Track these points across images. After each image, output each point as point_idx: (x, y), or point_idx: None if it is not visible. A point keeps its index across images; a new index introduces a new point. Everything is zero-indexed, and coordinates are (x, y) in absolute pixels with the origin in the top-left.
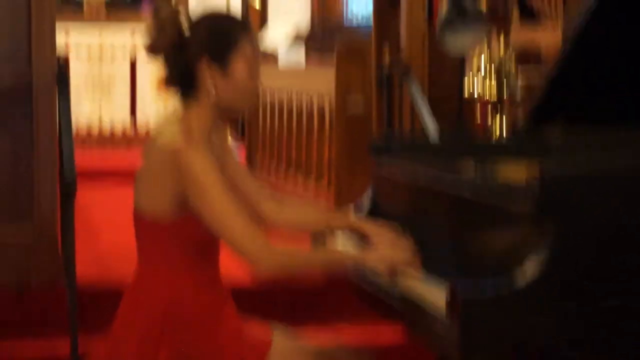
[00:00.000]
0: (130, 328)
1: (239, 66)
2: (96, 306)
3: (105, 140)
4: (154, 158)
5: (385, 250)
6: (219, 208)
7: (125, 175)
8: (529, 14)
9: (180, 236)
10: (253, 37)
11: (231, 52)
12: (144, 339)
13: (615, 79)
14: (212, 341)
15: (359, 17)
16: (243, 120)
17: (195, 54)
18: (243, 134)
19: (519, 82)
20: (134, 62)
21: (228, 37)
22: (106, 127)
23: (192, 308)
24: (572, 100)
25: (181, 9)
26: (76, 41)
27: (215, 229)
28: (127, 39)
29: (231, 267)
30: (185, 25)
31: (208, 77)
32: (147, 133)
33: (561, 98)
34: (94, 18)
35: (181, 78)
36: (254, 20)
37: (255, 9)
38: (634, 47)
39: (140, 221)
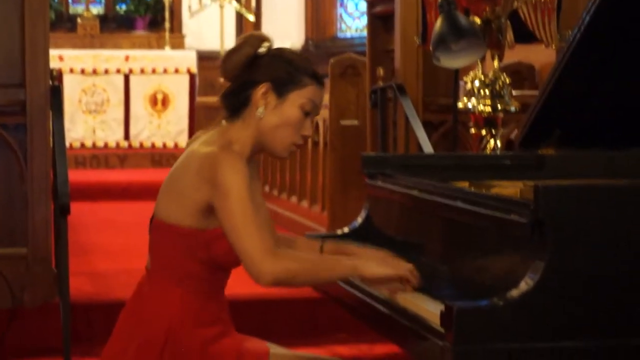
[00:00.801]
0: (132, 339)
1: (292, 106)
2: (90, 324)
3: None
4: (187, 164)
5: (384, 264)
6: (240, 218)
7: (119, 192)
8: (524, 39)
9: (199, 245)
10: (319, 93)
11: (294, 90)
12: (147, 348)
13: (607, 103)
14: (212, 351)
15: (353, 29)
16: None
17: (261, 76)
18: None
19: (513, 101)
20: (127, 78)
21: (298, 76)
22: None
23: (198, 317)
24: (563, 121)
25: (264, 35)
26: (70, 60)
27: (227, 232)
28: (121, 55)
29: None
30: (263, 48)
31: (261, 100)
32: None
33: (552, 119)
34: (87, 37)
35: (235, 94)
36: (248, 31)
37: (249, 21)
38: (625, 69)
39: (160, 227)
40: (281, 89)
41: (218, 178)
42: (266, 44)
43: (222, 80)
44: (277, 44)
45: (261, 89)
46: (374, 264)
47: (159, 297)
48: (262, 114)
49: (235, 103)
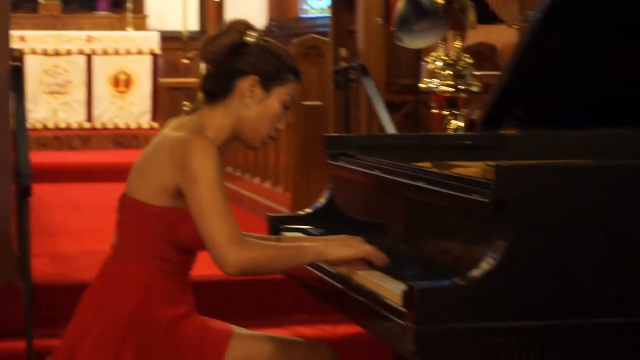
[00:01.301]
0: (96, 319)
1: (275, 101)
2: (53, 305)
3: (61, 138)
4: (160, 146)
5: (347, 246)
6: (208, 204)
7: (82, 174)
8: (486, 19)
9: (168, 224)
10: (297, 89)
11: (277, 84)
12: (111, 328)
13: (568, 84)
14: (177, 331)
15: (316, 9)
16: None
17: (247, 66)
18: None
19: (475, 81)
20: (89, 59)
21: (282, 70)
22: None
23: (164, 295)
24: (525, 101)
25: (249, 22)
26: (31, 40)
27: (194, 217)
28: (83, 36)
29: None
30: (250, 37)
31: (248, 92)
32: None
33: (514, 99)
34: (49, 18)
35: (219, 80)
36: (211, 13)
37: (213, 2)
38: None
39: (131, 205)
40: (267, 83)
41: (188, 162)
42: (252, 33)
43: (185, 61)
44: None
45: (248, 81)
46: (338, 247)
47: (126, 274)
48: (247, 106)
49: (218, 89)
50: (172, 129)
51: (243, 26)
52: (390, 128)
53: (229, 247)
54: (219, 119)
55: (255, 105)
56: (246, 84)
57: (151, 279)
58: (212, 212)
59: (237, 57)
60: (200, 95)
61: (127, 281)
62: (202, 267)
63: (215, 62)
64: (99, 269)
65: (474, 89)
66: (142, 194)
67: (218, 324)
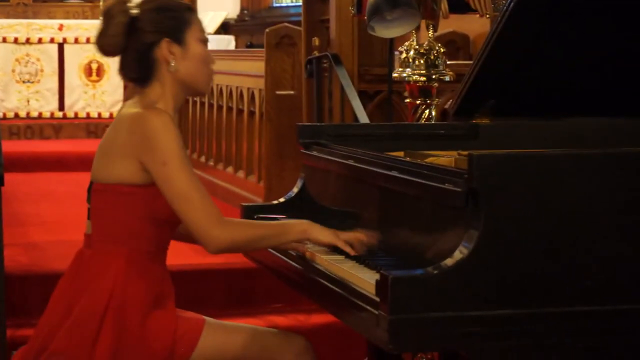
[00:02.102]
0: (72, 306)
1: (195, 44)
2: (25, 295)
3: (34, 127)
4: (118, 127)
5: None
6: (184, 185)
7: (54, 163)
8: (458, 8)
9: (140, 201)
10: (199, 20)
11: (186, 31)
12: (89, 313)
13: (540, 73)
14: (152, 317)
15: None
16: None
17: (152, 36)
18: None
19: (447, 70)
20: (61, 48)
21: (180, 17)
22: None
23: (143, 276)
24: (497, 91)
25: None
26: (2, 29)
27: (170, 199)
28: (55, 24)
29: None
30: (133, 9)
31: (169, 56)
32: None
33: (486, 88)
34: (20, 6)
35: (139, 63)
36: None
37: None
38: (558, 38)
39: (100, 190)
40: (179, 36)
41: (151, 139)
42: (131, 4)
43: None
44: (212, 14)
45: (163, 46)
46: (321, 230)
47: (103, 257)
48: (175, 68)
49: (142, 70)
50: (124, 110)
51: (120, 5)
52: (363, 117)
53: (212, 226)
54: (159, 91)
55: (182, 62)
56: (163, 51)
57: (130, 258)
58: (188, 194)
59: (137, 34)
60: (131, 85)
61: (104, 264)
62: (175, 257)
63: (122, 50)
64: (72, 259)
65: (447, 78)
66: (110, 177)
67: (191, 314)
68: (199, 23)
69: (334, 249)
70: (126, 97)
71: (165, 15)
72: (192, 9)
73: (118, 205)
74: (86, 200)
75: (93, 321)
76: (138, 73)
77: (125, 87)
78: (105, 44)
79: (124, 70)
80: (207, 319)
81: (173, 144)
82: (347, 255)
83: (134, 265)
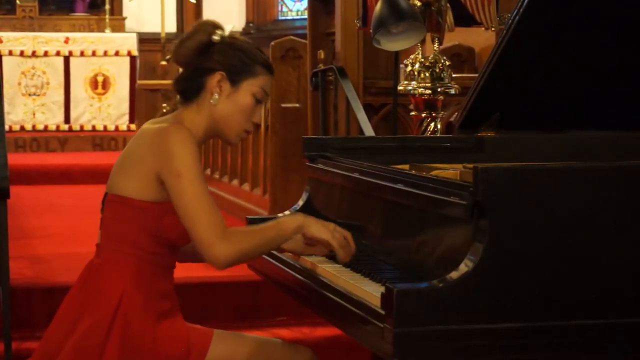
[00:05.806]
0: (79, 320)
1: (246, 94)
2: (30, 308)
3: (39, 140)
4: (140, 141)
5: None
6: (193, 199)
7: (60, 176)
8: (464, 21)
9: (151, 217)
10: (270, 81)
11: (245, 78)
12: (97, 325)
13: (545, 86)
14: (162, 328)
15: (294, 11)
16: None
17: (213, 64)
18: None
19: (453, 83)
20: (67, 61)
21: (249, 64)
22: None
23: (151, 287)
24: (502, 104)
25: (217, 22)
26: (9, 42)
27: (180, 212)
28: (61, 37)
29: None
30: (217, 36)
31: (216, 88)
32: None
33: (491, 101)
34: (26, 19)
35: (189, 79)
36: (189, 15)
37: (191, 4)
38: (563, 52)
39: (114, 202)
40: (235, 78)
41: (169, 151)
42: (219, 32)
43: (163, 63)
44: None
45: (216, 77)
46: (316, 225)
47: (112, 266)
48: (216, 101)
49: (189, 89)
50: (149, 125)
51: (210, 26)
52: (368, 130)
53: (216, 242)
54: (193, 117)
55: (225, 101)
56: (214, 81)
57: (138, 268)
58: (197, 207)
59: (205, 56)
60: (176, 97)
61: (114, 272)
62: (180, 271)
63: (186, 63)
64: (82, 271)
65: (452, 91)
66: (124, 189)
67: (198, 326)
68: (266, 82)
69: (330, 257)
70: (168, 110)
71: (235, 54)
72: (268, 66)
73: (127, 218)
74: (100, 211)
75: (99, 334)
76: (184, 87)
77: (131, 101)
78: (177, 51)
79: (175, 81)
80: (215, 330)
81: (189, 157)
82: (347, 264)
83: (140, 277)
